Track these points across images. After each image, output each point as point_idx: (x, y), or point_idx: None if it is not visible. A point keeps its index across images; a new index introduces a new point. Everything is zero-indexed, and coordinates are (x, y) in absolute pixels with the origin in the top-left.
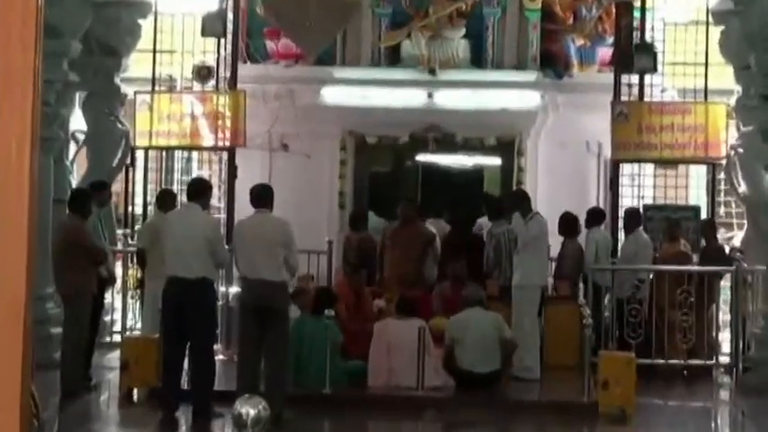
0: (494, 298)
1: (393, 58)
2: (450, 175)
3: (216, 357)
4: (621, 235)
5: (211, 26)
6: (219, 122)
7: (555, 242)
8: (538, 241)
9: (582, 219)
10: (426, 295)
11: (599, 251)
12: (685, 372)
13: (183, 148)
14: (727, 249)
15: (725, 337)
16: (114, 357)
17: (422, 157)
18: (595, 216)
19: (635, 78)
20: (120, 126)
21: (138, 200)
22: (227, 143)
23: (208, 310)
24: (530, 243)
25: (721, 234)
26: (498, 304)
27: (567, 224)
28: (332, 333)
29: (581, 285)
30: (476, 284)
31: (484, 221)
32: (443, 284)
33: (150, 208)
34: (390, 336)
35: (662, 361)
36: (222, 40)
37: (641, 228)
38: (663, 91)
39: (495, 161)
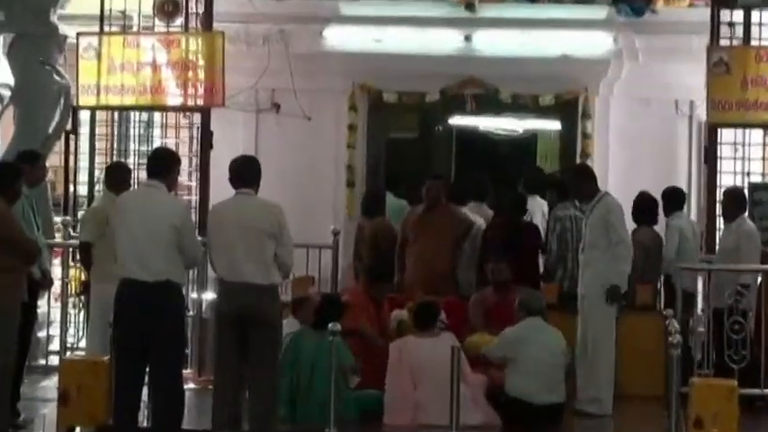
0: (551, 306)
1: None
2: (493, 145)
3: (185, 385)
4: (720, 223)
5: None
6: (189, 74)
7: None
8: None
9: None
10: (460, 303)
11: (683, 244)
12: None
13: (141, 108)
14: None
15: None
16: (51, 386)
17: (456, 121)
18: (674, 198)
19: (738, 15)
20: (58, 79)
21: (83, 177)
22: (200, 102)
23: (174, 324)
24: (600, 235)
25: None
26: (557, 315)
27: (643, 208)
28: (339, 353)
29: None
30: (530, 289)
31: (535, 204)
32: (485, 290)
33: (98, 188)
34: (413, 357)
35: None
36: None
37: (746, 214)
38: None
39: (553, 125)
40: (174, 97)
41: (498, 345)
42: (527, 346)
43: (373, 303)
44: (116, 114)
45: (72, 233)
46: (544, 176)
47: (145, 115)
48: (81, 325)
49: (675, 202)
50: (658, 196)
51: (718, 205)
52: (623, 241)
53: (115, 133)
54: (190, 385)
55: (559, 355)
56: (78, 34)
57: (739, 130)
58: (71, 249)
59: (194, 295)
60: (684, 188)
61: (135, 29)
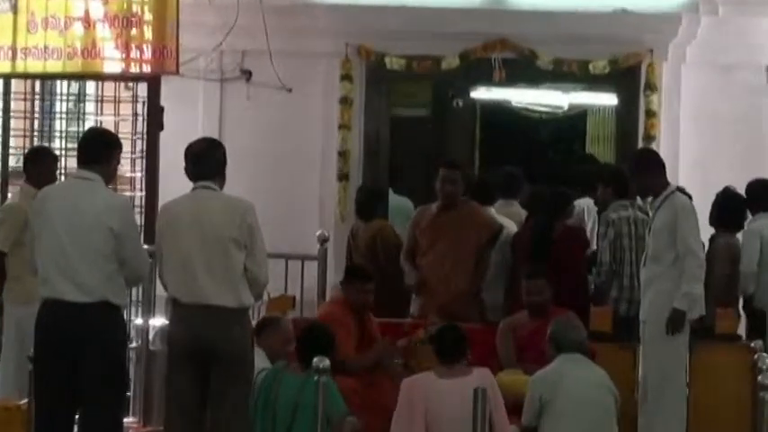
0: (602, 336)
1: None
2: (528, 125)
3: None
4: None
5: None
6: (133, 32)
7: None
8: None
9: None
10: (486, 330)
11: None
12: None
13: (70, 76)
14: None
15: None
16: None
17: (481, 94)
18: (762, 194)
19: None
20: None
21: None
22: (147, 68)
23: (112, 358)
24: (665, 244)
25: None
26: (609, 348)
27: (728, 208)
28: (328, 399)
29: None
30: (573, 315)
31: (586, 204)
32: (517, 315)
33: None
34: (430, 401)
35: None
36: None
37: None
38: None
39: (608, 100)
40: (112, 62)
41: (531, 389)
42: (561, 383)
43: (352, 315)
44: (37, 84)
45: None
46: (598, 167)
47: (75, 86)
48: None
49: (763, 199)
50: (744, 192)
51: None
52: (691, 252)
53: (36, 109)
54: None
55: (606, 394)
56: None
57: None
58: None
59: (139, 321)
60: None
61: None
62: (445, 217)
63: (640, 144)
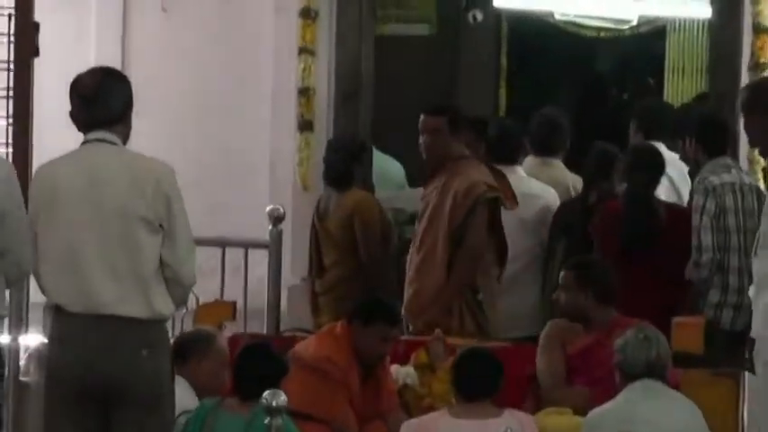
0: (690, 359)
1: None
2: (579, 48)
3: None
4: None
5: None
6: None
7: None
8: None
9: None
10: (516, 350)
11: None
12: None
13: None
14: None
15: None
16: None
17: (508, 2)
18: None
19: None
20: None
21: None
22: None
23: None
24: None
25: None
26: (704, 376)
27: None
28: None
29: None
30: (647, 324)
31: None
32: (567, 325)
33: None
34: None
35: None
36: None
37: None
38: None
39: (696, 11)
40: None
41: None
42: (631, 426)
43: (359, 366)
44: None
45: None
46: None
47: None
48: None
49: None
50: None
51: None
52: None
53: None
54: None
55: None
56: None
57: None
58: None
59: (4, 339)
60: None
61: None
62: (431, 186)
63: (744, 75)
